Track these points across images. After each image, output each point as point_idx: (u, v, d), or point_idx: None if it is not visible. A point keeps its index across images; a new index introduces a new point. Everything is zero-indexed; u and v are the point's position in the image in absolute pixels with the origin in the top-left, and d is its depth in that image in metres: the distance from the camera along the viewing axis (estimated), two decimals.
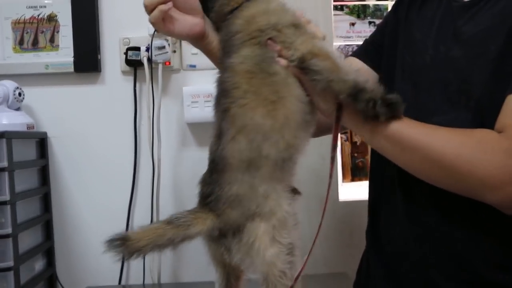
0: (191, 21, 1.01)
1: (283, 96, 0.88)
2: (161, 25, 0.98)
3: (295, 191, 0.95)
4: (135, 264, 1.70)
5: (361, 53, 1.19)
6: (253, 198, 0.86)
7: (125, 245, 0.81)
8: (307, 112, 0.91)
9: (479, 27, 0.91)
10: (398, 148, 0.87)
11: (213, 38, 1.04)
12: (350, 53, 1.78)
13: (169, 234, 0.84)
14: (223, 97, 0.90)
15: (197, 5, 1.03)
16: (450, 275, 0.92)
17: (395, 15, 1.13)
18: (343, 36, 1.80)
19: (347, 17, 1.81)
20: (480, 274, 0.89)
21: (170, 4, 0.96)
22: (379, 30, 1.20)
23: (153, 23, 0.98)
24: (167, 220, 0.86)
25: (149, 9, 0.97)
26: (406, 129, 0.86)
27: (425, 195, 0.93)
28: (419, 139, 0.85)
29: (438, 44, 0.98)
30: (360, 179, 1.80)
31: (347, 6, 1.81)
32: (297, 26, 0.90)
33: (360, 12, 1.80)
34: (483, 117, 0.86)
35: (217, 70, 0.99)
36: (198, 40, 1.05)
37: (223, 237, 0.88)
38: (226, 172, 0.88)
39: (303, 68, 0.87)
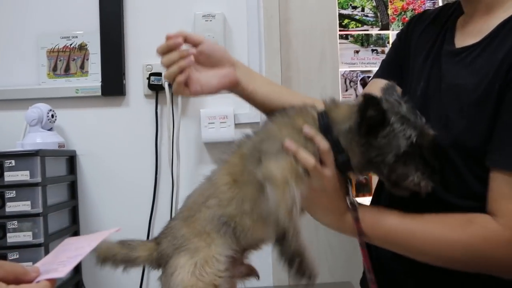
0: (219, 73, 0.97)
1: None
2: (185, 90, 0.94)
3: (251, 270, 0.98)
4: (155, 273, 1.71)
5: (381, 74, 1.16)
6: (185, 233, 0.90)
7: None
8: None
9: (469, 79, 0.89)
10: (410, 249, 0.90)
11: (248, 83, 1.01)
12: (354, 78, 1.90)
13: (115, 251, 0.92)
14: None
15: (224, 54, 0.99)
16: None
17: (407, 33, 1.12)
18: (348, 62, 1.88)
19: (352, 45, 1.89)
20: None
21: (186, 73, 0.92)
22: (394, 47, 1.18)
23: (175, 92, 0.95)
24: (121, 240, 0.94)
25: (170, 80, 0.94)
26: (397, 231, 0.89)
27: None
28: (424, 243, 0.88)
29: (429, 79, 0.99)
30: (363, 195, 1.86)
31: (352, 35, 1.90)
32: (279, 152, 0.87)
33: (364, 40, 1.89)
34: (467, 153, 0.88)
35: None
36: (231, 89, 1.01)
37: (161, 272, 0.92)
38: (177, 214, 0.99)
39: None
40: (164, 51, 0.94)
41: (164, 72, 0.97)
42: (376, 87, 1.05)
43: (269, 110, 1.07)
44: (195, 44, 0.98)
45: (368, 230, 0.90)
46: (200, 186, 0.97)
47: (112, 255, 0.92)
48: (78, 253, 0.71)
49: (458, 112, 0.89)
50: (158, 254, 0.93)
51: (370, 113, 0.83)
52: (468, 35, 0.96)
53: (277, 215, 0.82)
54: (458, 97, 0.90)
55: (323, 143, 0.87)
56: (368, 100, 0.83)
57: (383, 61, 1.20)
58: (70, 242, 0.78)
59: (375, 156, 0.86)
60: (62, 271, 0.67)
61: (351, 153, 0.88)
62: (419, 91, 0.99)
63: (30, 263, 1.44)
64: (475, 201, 0.87)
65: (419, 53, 1.05)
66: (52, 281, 0.66)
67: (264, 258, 1.79)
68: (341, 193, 0.91)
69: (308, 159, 0.86)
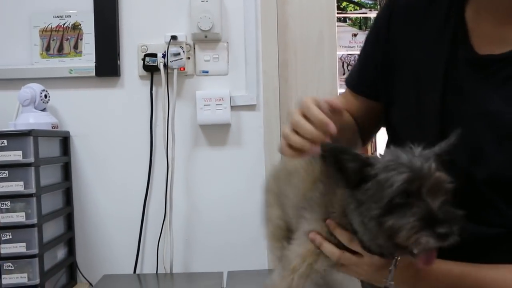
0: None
1: None
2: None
3: None
4: (149, 255, 1.79)
5: (354, 85, 1.05)
6: None
7: None
8: None
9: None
10: None
11: None
12: (352, 61, 1.89)
13: None
14: None
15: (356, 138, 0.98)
16: None
17: (386, 33, 0.97)
18: (346, 46, 1.88)
19: (350, 28, 1.88)
20: None
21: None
22: (370, 45, 1.03)
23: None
24: None
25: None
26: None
27: None
28: None
29: (445, 93, 0.85)
30: None
31: (350, 18, 1.89)
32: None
33: (362, 23, 1.88)
34: None
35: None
36: None
37: None
38: None
39: None
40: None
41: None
42: (350, 102, 1.01)
43: None
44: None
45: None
46: None
47: None
48: None
49: (494, 144, 0.78)
50: None
51: (350, 165, 0.74)
52: (491, 40, 0.82)
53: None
54: (492, 127, 0.78)
55: (343, 237, 0.81)
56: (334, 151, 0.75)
57: (352, 69, 1.08)
58: None
59: (365, 213, 0.74)
60: None
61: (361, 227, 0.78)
62: (433, 106, 0.85)
63: (24, 244, 1.47)
64: None
65: (414, 46, 0.91)
66: None
67: (260, 242, 1.79)
68: (380, 273, 0.80)
69: (333, 252, 0.81)
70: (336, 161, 0.75)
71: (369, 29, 1.11)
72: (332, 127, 0.76)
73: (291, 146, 0.82)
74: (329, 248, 0.82)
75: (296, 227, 0.89)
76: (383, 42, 0.97)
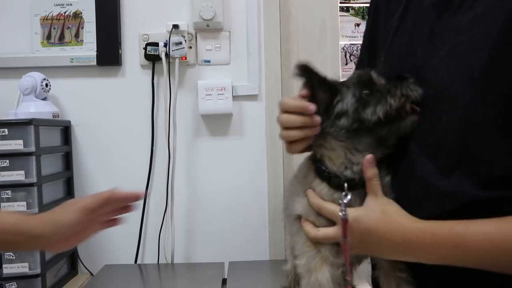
0: None
1: None
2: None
3: None
4: (150, 245, 1.79)
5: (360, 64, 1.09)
6: None
7: None
8: None
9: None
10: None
11: None
12: (355, 51, 1.88)
13: None
14: None
15: None
16: None
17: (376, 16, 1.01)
18: (348, 35, 1.87)
19: (353, 18, 1.87)
20: None
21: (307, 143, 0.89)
22: (367, 36, 1.05)
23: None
24: None
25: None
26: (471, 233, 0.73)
27: None
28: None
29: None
30: None
31: (353, 8, 1.88)
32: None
33: (365, 13, 1.87)
34: None
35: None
36: None
37: None
38: None
39: None
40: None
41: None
42: None
43: None
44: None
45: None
46: None
47: None
48: None
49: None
50: None
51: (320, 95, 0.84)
52: None
53: None
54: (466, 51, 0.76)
55: (328, 211, 0.84)
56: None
57: (360, 50, 1.11)
58: None
59: (347, 122, 0.84)
60: None
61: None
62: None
63: None
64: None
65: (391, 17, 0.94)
66: None
67: (261, 233, 1.80)
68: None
69: (309, 231, 0.86)
70: (309, 86, 0.85)
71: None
72: (311, 106, 0.83)
73: (291, 143, 0.88)
74: (307, 229, 0.86)
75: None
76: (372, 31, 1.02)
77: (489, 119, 0.71)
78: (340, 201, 0.82)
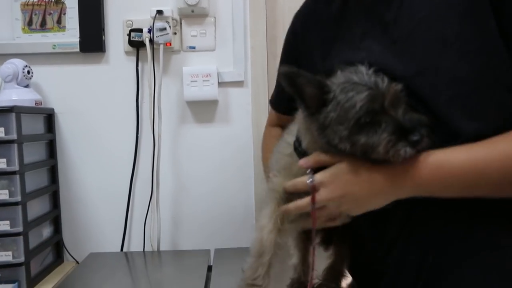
0: None
1: None
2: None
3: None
4: (136, 233, 1.78)
5: (275, 105, 1.22)
6: None
7: None
8: None
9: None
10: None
11: None
12: None
13: None
14: None
15: None
16: None
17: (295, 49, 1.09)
18: None
19: None
20: None
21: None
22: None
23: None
24: None
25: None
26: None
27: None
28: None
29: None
30: None
31: None
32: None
33: None
34: None
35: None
36: None
37: None
38: None
39: None
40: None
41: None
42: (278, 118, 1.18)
43: None
44: None
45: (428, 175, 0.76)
46: None
47: None
48: None
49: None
50: None
51: (309, 90, 0.77)
52: None
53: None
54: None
55: (300, 182, 0.86)
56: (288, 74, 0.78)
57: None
58: None
59: (332, 136, 0.78)
60: None
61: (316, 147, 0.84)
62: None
63: (8, 222, 1.45)
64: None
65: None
66: None
67: (248, 220, 1.79)
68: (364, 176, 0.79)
69: (302, 206, 0.86)
70: (293, 85, 0.78)
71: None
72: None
73: None
74: (299, 204, 0.87)
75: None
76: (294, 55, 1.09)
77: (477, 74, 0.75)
78: (308, 171, 0.83)
